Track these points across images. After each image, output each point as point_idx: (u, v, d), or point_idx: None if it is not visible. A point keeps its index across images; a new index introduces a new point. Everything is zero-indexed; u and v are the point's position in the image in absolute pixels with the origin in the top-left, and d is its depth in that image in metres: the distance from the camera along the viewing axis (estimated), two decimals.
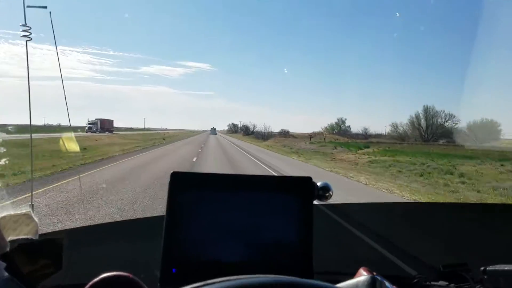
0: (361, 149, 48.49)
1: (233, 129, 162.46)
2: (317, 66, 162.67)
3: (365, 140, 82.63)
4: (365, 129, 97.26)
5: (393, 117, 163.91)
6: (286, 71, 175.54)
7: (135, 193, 10.80)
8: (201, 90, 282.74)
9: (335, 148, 53.29)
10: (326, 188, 1.25)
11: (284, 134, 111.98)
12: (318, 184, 1.23)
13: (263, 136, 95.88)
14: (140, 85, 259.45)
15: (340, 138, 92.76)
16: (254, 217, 1.13)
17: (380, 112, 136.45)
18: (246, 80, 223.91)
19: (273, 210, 1.14)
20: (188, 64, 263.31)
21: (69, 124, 1.94)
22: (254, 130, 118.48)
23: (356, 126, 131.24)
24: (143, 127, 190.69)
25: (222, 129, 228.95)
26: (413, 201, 11.66)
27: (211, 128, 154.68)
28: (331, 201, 1.29)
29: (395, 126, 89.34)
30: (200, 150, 35.89)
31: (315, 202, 1.20)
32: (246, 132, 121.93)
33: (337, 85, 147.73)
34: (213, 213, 1.13)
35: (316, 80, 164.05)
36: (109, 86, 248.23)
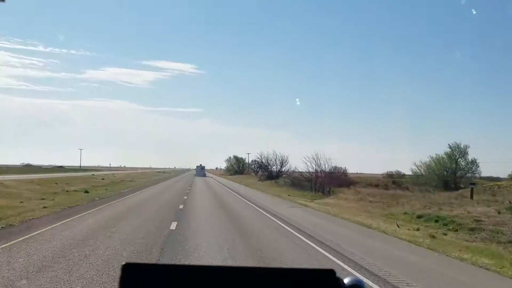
0: None
1: (237, 168, 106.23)
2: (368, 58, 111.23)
3: None
4: None
5: None
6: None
7: None
8: (181, 105, 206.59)
9: None
10: None
11: (337, 174, 59.01)
12: (346, 281, 0.79)
13: (314, 184, 41.14)
14: (85, 98, 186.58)
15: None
16: None
17: None
18: (252, 89, 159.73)
19: None
20: (162, 65, 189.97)
21: None
22: (283, 170, 63.10)
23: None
24: (87, 164, 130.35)
25: (214, 167, 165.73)
26: None
27: (197, 166, 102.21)
28: None
29: None
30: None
31: None
32: (266, 173, 65.14)
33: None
34: None
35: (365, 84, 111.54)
36: (37, 101, 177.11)
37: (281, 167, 65.02)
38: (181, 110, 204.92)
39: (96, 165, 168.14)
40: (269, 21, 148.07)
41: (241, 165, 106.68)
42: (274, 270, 0.75)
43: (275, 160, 65.24)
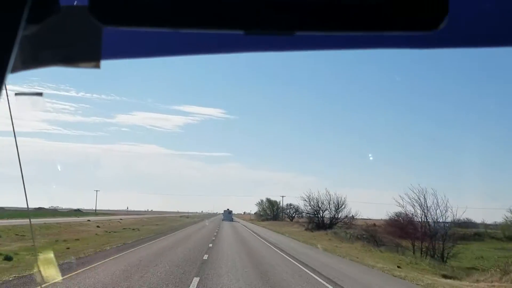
0: None
1: (270, 212, 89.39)
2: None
3: None
4: None
5: None
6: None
7: None
8: (209, 149, 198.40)
9: None
10: None
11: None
12: None
13: (419, 240, 22.51)
14: (115, 142, 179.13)
15: None
16: None
17: None
18: (282, 132, 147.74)
19: None
20: (191, 110, 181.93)
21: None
22: (339, 217, 45.92)
23: None
24: (111, 208, 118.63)
25: (242, 212, 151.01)
26: None
27: (225, 211, 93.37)
28: None
29: None
30: None
31: None
32: (316, 221, 47.80)
33: None
34: None
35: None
36: (68, 145, 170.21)
37: (336, 212, 47.91)
38: (210, 154, 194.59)
39: (120, 208, 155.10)
40: (298, 65, 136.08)
41: (275, 209, 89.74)
42: None
43: (329, 203, 48.05)
